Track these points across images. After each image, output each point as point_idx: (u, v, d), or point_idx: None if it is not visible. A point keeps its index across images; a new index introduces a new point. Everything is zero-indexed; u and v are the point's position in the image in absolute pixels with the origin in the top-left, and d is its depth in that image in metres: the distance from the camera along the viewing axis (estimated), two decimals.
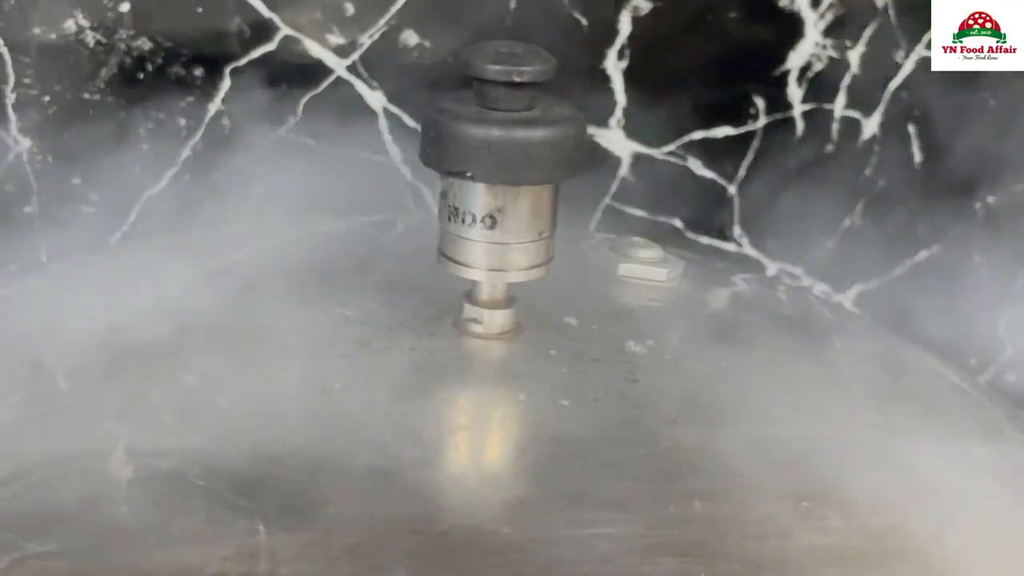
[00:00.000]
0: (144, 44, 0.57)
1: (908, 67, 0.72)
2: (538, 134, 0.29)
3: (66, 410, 0.27)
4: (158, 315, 0.32)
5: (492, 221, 0.30)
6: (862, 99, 0.72)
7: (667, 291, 0.35)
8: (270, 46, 0.59)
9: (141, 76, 0.57)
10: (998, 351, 0.70)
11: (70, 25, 0.56)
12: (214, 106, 0.59)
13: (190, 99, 0.59)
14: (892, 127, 0.76)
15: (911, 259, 0.76)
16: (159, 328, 0.31)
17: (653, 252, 0.35)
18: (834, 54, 0.69)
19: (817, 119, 0.72)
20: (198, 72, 0.58)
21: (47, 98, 0.56)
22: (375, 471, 0.25)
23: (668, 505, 0.28)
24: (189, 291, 0.34)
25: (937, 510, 0.31)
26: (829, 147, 0.74)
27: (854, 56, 0.70)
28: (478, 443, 0.29)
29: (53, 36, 0.56)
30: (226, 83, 0.59)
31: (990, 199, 0.82)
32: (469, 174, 0.29)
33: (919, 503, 0.31)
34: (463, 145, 0.29)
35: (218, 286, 0.35)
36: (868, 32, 0.69)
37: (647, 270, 0.35)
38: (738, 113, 0.69)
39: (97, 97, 0.57)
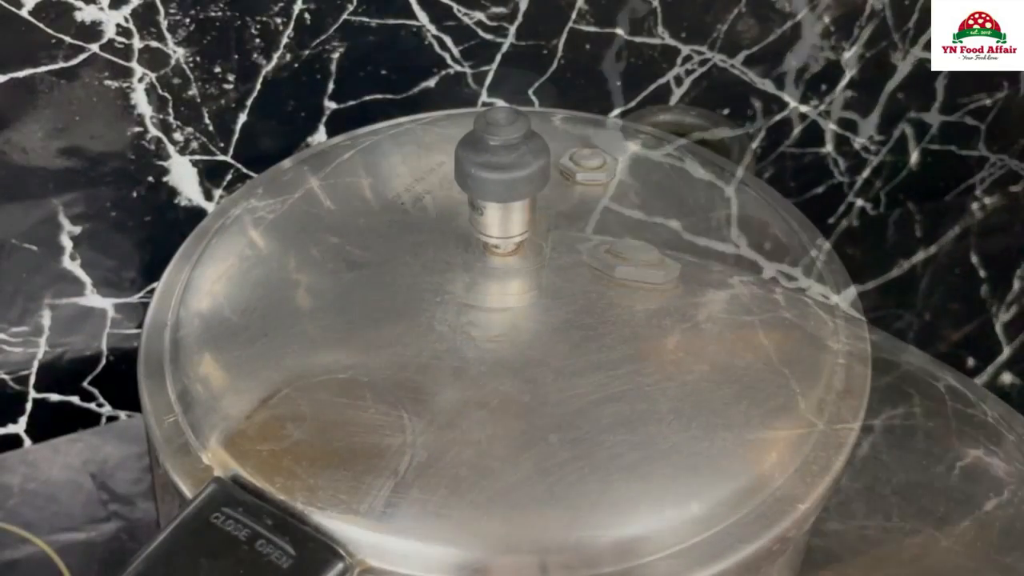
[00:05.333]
0: None
1: (905, 68, 0.72)
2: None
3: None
4: None
5: None
6: (860, 100, 0.72)
7: (664, 293, 0.35)
8: None
9: None
10: (995, 352, 0.70)
11: None
12: None
13: None
14: (889, 128, 0.76)
15: (909, 260, 0.76)
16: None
17: (650, 255, 0.36)
18: (831, 55, 0.69)
19: (814, 120, 0.72)
20: None
21: None
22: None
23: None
24: None
25: (934, 512, 0.31)
26: (827, 148, 0.74)
27: (851, 57, 0.70)
28: None
29: None
30: None
31: (987, 200, 0.82)
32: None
33: (916, 505, 0.31)
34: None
35: None
36: (865, 33, 0.69)
37: (644, 272, 0.36)
38: (736, 114, 0.69)
39: None
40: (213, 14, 0.51)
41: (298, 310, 0.35)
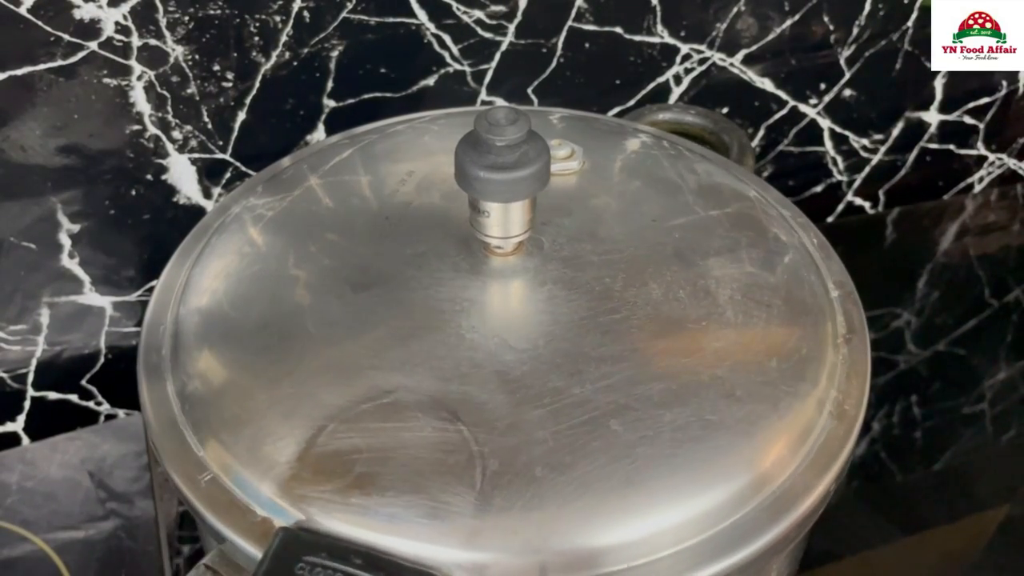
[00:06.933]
0: None
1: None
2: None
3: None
4: None
5: None
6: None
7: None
8: None
9: None
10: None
11: None
12: None
13: None
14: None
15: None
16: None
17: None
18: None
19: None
20: None
21: None
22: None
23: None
24: None
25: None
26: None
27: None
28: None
29: None
30: None
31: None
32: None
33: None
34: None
35: None
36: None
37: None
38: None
39: None
40: (212, 12, 0.51)
41: (318, 341, 0.34)
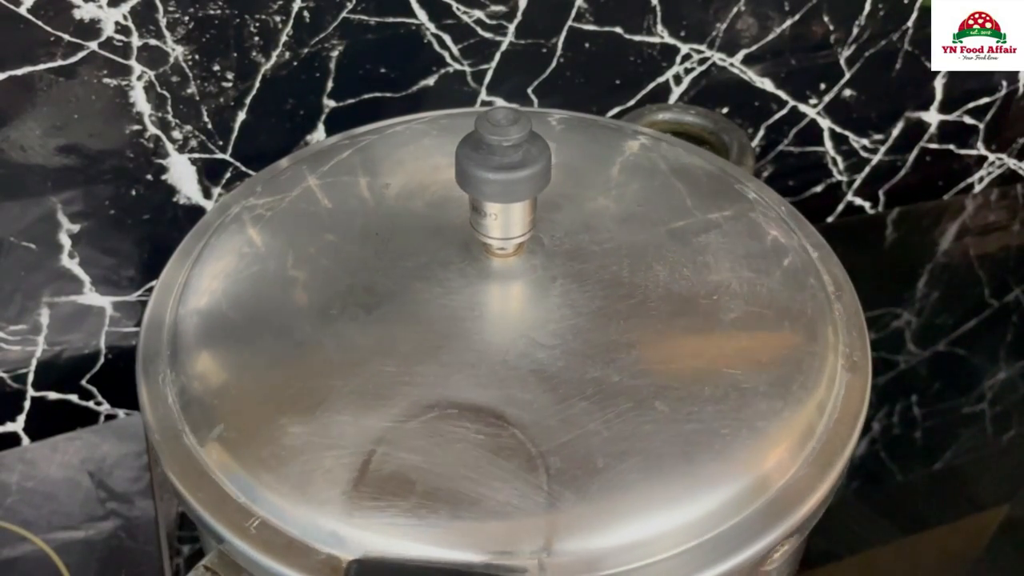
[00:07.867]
0: None
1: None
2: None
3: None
4: None
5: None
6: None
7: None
8: None
9: None
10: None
11: None
12: None
13: None
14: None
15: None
16: None
17: None
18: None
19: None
20: None
21: None
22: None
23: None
24: None
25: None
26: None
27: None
28: None
29: None
30: None
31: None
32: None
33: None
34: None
35: None
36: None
37: None
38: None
39: None
40: (212, 12, 0.51)
41: (343, 366, 0.34)
